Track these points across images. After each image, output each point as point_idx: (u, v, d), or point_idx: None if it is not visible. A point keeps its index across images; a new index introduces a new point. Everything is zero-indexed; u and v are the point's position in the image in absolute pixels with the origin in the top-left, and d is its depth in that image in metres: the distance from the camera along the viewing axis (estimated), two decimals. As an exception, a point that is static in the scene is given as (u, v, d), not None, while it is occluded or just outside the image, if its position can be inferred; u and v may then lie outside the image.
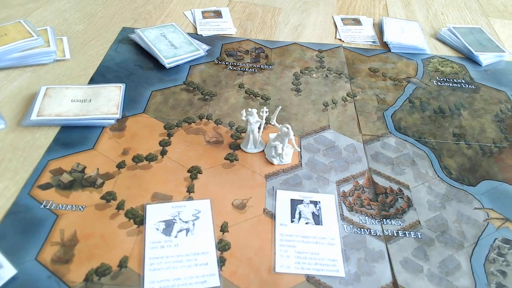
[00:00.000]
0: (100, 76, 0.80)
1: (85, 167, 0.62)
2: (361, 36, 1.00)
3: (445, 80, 0.87)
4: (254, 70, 0.86)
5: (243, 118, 0.64)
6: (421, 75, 0.88)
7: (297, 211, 0.58)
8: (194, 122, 0.71)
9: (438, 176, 0.65)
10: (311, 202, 0.59)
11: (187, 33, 0.92)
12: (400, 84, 0.85)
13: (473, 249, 0.55)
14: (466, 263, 0.54)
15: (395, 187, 0.63)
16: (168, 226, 0.55)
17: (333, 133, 0.71)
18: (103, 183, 0.60)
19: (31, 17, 0.95)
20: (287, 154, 0.65)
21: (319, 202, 0.60)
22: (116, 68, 0.82)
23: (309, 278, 0.51)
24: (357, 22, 1.06)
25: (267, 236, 0.55)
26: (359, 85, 0.84)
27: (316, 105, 0.77)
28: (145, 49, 0.87)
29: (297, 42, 0.96)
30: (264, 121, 0.65)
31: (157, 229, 0.54)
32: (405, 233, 0.57)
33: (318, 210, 0.59)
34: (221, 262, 0.51)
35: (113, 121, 0.69)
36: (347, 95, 0.81)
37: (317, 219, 0.57)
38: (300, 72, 0.86)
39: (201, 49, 0.87)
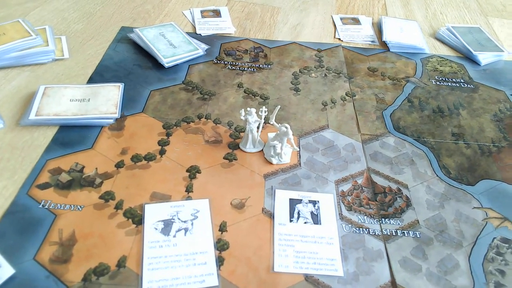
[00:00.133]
0: (99, 76, 0.80)
1: (83, 167, 0.61)
2: (360, 35, 1.00)
3: (444, 79, 0.87)
4: (253, 69, 0.85)
5: (242, 118, 0.64)
6: (420, 75, 0.88)
7: (296, 211, 0.58)
8: (193, 122, 0.71)
9: (437, 175, 0.65)
10: (310, 201, 0.59)
11: (186, 32, 0.92)
12: (399, 83, 0.85)
13: (472, 248, 0.55)
14: (465, 263, 0.54)
15: (394, 186, 0.63)
16: (167, 226, 0.55)
17: (332, 133, 0.71)
18: (101, 182, 0.60)
19: (30, 16, 0.95)
20: (286, 154, 0.65)
21: (318, 201, 0.60)
22: (115, 67, 0.82)
23: (307, 278, 0.51)
24: (356, 21, 1.06)
25: (266, 236, 0.55)
26: (358, 84, 0.84)
27: (315, 105, 0.77)
28: (144, 48, 0.87)
29: (296, 41, 0.96)
30: (263, 121, 0.65)
31: (156, 229, 0.54)
32: (403, 232, 0.57)
33: (317, 209, 0.58)
34: (220, 261, 0.51)
35: (111, 121, 0.69)
36: (346, 94, 0.81)
37: (315, 218, 0.57)
38: (299, 72, 0.86)
39: (200, 48, 0.87)
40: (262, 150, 0.67)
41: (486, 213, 0.60)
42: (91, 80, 0.78)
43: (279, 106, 0.65)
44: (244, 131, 0.68)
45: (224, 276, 0.50)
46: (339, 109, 0.77)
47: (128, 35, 0.90)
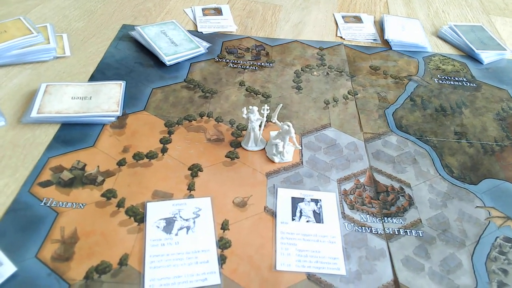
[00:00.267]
0: (100, 74, 0.79)
1: (85, 165, 0.61)
2: (362, 33, 1.00)
3: (446, 78, 0.87)
4: (255, 67, 0.85)
5: (244, 116, 0.64)
6: (422, 73, 0.88)
7: (298, 209, 0.58)
8: (194, 120, 0.71)
9: (440, 174, 0.65)
10: (312, 200, 0.59)
11: (188, 30, 0.92)
12: (401, 82, 0.85)
13: (475, 247, 0.55)
14: (468, 262, 0.53)
15: (397, 185, 0.63)
16: (169, 224, 0.54)
17: (334, 131, 0.71)
18: (103, 180, 0.59)
19: (31, 14, 0.95)
20: (288, 152, 0.65)
21: (320, 200, 0.59)
22: (116, 65, 0.82)
23: (309, 276, 0.50)
24: (358, 19, 1.05)
25: (268, 234, 0.55)
26: (360, 83, 0.84)
27: (317, 103, 0.77)
28: (145, 46, 0.86)
29: (298, 39, 0.96)
30: (265, 119, 0.64)
31: (158, 227, 0.54)
32: (406, 231, 0.57)
33: (319, 208, 0.58)
34: (222, 260, 0.51)
35: (113, 119, 0.69)
36: (348, 93, 0.80)
37: (318, 217, 0.57)
38: (301, 70, 0.86)
39: (202, 46, 0.87)
40: (264, 148, 0.66)
41: (489, 212, 0.60)
42: (93, 78, 0.78)
43: (281, 104, 0.64)
44: (246, 130, 0.68)
45: (226, 275, 0.50)
46: (341, 107, 0.77)
47: (129, 33, 0.90)
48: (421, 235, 0.56)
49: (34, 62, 0.81)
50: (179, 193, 0.59)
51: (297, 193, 0.60)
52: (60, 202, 0.56)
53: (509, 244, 0.56)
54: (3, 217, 0.54)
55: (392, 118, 0.75)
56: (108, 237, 0.53)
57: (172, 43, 0.86)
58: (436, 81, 0.86)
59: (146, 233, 0.53)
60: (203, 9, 1.02)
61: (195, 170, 0.62)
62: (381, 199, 0.60)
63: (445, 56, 0.94)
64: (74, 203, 0.56)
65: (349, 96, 0.80)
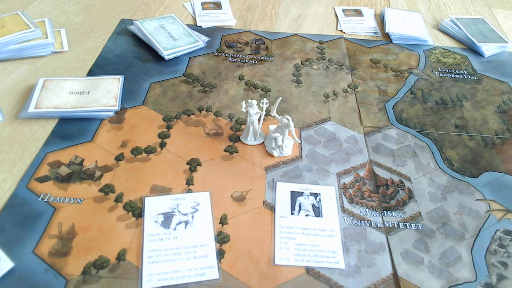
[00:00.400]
0: (99, 68, 0.79)
1: (83, 160, 0.61)
2: (362, 27, 0.99)
3: (447, 71, 0.86)
4: (254, 61, 0.85)
5: (243, 110, 0.63)
6: (423, 66, 0.87)
7: (297, 203, 0.58)
8: (193, 114, 0.71)
9: (440, 167, 0.65)
10: (311, 194, 0.59)
11: (187, 24, 0.91)
12: (402, 75, 0.84)
13: (474, 240, 0.55)
14: (467, 255, 0.53)
15: (396, 178, 0.62)
16: (167, 219, 0.54)
17: (334, 125, 0.71)
18: (101, 175, 0.59)
19: (29, 9, 0.95)
20: (287, 146, 0.65)
21: (320, 194, 0.59)
22: (115, 60, 0.81)
23: (308, 270, 0.50)
24: (358, 13, 1.05)
25: (267, 228, 0.55)
26: (361, 76, 0.83)
27: (317, 97, 0.77)
28: (144, 40, 0.86)
29: (298, 33, 0.95)
30: (264, 113, 0.64)
31: (156, 222, 0.54)
32: (405, 224, 0.56)
33: (318, 202, 0.58)
34: (220, 254, 0.51)
35: (111, 113, 0.69)
36: (348, 86, 0.80)
37: (317, 211, 0.57)
38: (301, 64, 0.85)
39: (201, 40, 0.86)
40: (263, 142, 0.66)
41: (489, 205, 0.59)
42: (91, 73, 0.78)
43: (280, 98, 0.64)
44: (245, 124, 0.67)
45: (225, 269, 0.50)
46: (341, 101, 0.76)
47: (128, 28, 0.90)
48: (420, 228, 0.56)
49: (32, 57, 0.80)
50: (178, 188, 0.58)
51: (296, 187, 0.60)
52: (58, 197, 0.56)
53: (509, 237, 0.55)
54: (0, 212, 0.54)
55: (392, 112, 0.75)
56: (106, 232, 0.52)
57: (171, 38, 0.85)
58: (437, 74, 0.85)
59: (144, 228, 0.53)
60: (202, 3, 1.02)
61: (193, 164, 0.62)
62: (380, 193, 0.60)
63: (446, 49, 0.93)
64: (72, 198, 0.56)
65: (349, 89, 0.79)
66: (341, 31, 0.98)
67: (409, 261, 0.52)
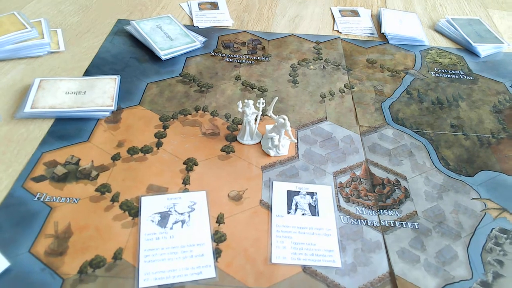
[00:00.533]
0: (95, 69, 0.79)
1: (79, 159, 0.61)
2: (359, 27, 1.00)
3: (443, 71, 0.87)
4: (251, 62, 0.85)
5: (240, 110, 0.63)
6: (419, 67, 0.88)
7: (294, 202, 0.58)
8: (190, 114, 0.71)
9: (436, 167, 0.65)
10: (308, 193, 0.59)
11: (183, 24, 0.91)
12: (398, 75, 0.84)
13: (470, 239, 0.55)
14: (463, 253, 0.53)
15: (392, 178, 0.62)
16: (164, 218, 0.54)
17: (331, 125, 0.71)
18: (97, 175, 0.59)
19: (25, 9, 0.94)
20: (284, 146, 0.65)
21: (316, 193, 0.59)
22: (111, 60, 0.81)
23: (305, 269, 0.50)
24: (355, 13, 1.05)
25: (264, 228, 0.55)
26: (357, 76, 0.83)
27: (314, 97, 0.77)
28: (141, 41, 0.86)
29: (295, 33, 0.95)
30: (260, 113, 0.64)
31: (152, 221, 0.54)
32: (402, 223, 0.56)
33: (314, 201, 0.58)
34: (217, 253, 0.51)
35: (108, 113, 0.69)
36: (345, 86, 0.80)
37: (313, 210, 0.57)
38: (297, 64, 0.85)
39: (198, 41, 0.86)
40: (260, 142, 0.66)
41: (485, 204, 0.60)
42: (87, 73, 0.77)
43: (277, 98, 0.64)
44: (241, 123, 0.67)
45: (221, 268, 0.50)
46: (337, 101, 0.76)
47: (124, 28, 0.90)
48: (416, 227, 0.56)
49: (28, 57, 0.80)
50: (174, 187, 0.58)
51: (292, 186, 0.60)
52: (54, 197, 0.56)
53: (505, 236, 0.56)
54: (-4, 212, 0.53)
55: (389, 111, 0.75)
56: (102, 231, 0.52)
57: (168, 38, 0.85)
58: (433, 74, 0.85)
59: (141, 227, 0.53)
60: (199, 4, 1.02)
61: (190, 164, 0.62)
62: (377, 192, 0.60)
63: (442, 50, 0.94)
64: (68, 198, 0.56)
65: (345, 89, 0.79)
66: (338, 31, 0.98)
67: (406, 260, 0.52)
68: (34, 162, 0.60)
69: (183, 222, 0.54)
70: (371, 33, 0.98)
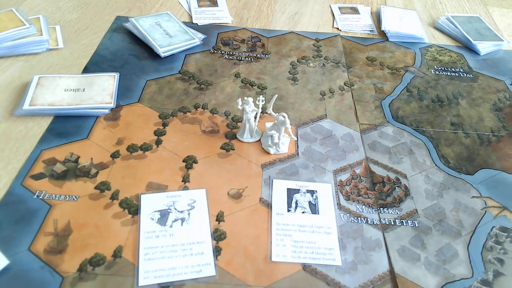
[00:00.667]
0: (94, 66, 0.78)
1: (78, 157, 0.61)
2: (358, 25, 0.99)
3: (443, 69, 0.87)
4: (251, 59, 0.84)
5: (239, 107, 0.63)
6: (419, 64, 0.87)
7: (294, 200, 0.58)
8: (189, 112, 0.70)
9: (436, 165, 0.65)
10: (308, 191, 0.59)
11: (182, 21, 0.91)
12: (398, 73, 0.84)
13: (471, 237, 0.55)
14: (464, 251, 0.53)
15: (393, 176, 0.62)
16: (163, 216, 0.54)
17: (330, 122, 0.71)
18: (97, 173, 0.59)
19: (24, 6, 0.94)
20: (284, 143, 0.65)
21: (316, 191, 0.59)
22: (110, 57, 0.81)
23: (305, 267, 0.50)
24: (354, 11, 1.05)
25: (263, 226, 0.54)
26: (357, 74, 0.83)
27: (313, 94, 0.77)
28: (140, 38, 0.85)
29: (294, 31, 0.95)
30: (260, 110, 0.64)
31: (152, 219, 0.54)
32: (402, 221, 0.56)
33: (314, 199, 0.58)
34: (217, 251, 0.51)
35: (107, 111, 0.68)
36: (345, 84, 0.80)
37: (313, 208, 0.57)
38: (297, 61, 0.85)
39: (197, 38, 0.86)
40: (260, 140, 0.66)
41: (485, 202, 0.60)
42: (86, 70, 0.77)
43: (277, 95, 0.64)
44: (241, 121, 0.67)
45: (221, 266, 0.50)
46: (337, 98, 0.76)
47: (123, 25, 0.89)
48: (417, 225, 0.56)
49: (26, 54, 0.80)
50: (174, 185, 0.58)
51: (292, 184, 0.60)
52: (53, 195, 0.55)
53: (505, 234, 0.56)
54: (-5, 210, 0.53)
55: (389, 109, 0.75)
56: (102, 229, 0.52)
57: (167, 35, 0.85)
58: (432, 72, 0.85)
59: (140, 225, 0.53)
60: (198, 0, 1.01)
61: (189, 162, 0.62)
62: (377, 190, 0.60)
63: (442, 47, 0.94)
64: (67, 196, 0.55)
65: (345, 87, 0.79)
66: (338, 28, 0.98)
67: (406, 258, 0.52)
68: (33, 160, 0.60)
69: (182, 220, 0.54)
70: (370, 31, 0.98)
